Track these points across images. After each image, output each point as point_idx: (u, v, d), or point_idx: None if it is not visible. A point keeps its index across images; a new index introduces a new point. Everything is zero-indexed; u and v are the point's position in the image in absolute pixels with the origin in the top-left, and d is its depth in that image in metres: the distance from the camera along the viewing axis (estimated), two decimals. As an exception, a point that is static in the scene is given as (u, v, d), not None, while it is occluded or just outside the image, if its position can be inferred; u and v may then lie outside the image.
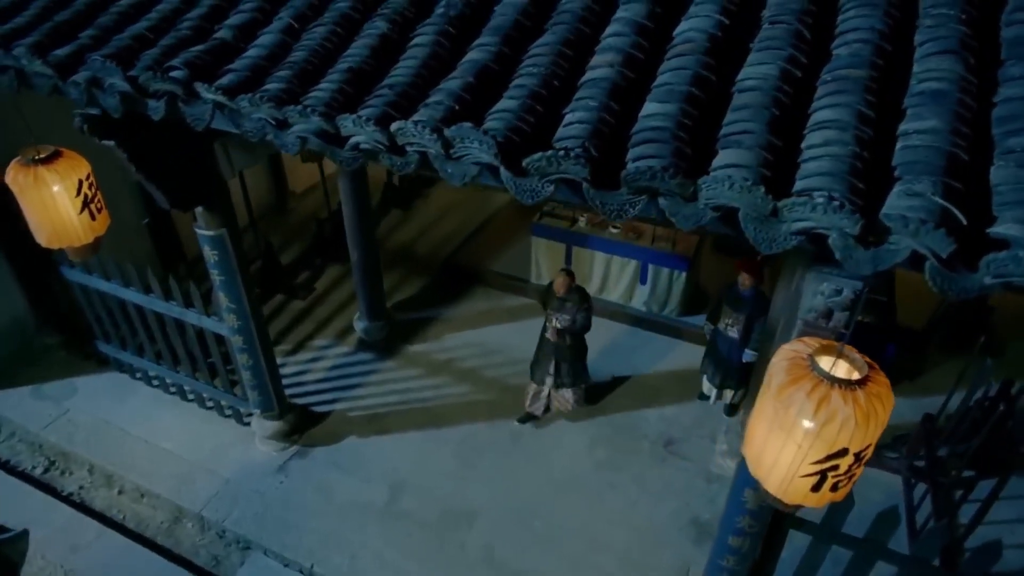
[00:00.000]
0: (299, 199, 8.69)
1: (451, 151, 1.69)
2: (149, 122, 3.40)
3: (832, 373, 1.85)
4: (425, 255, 7.64)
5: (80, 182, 3.21)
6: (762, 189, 1.40)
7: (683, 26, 1.82)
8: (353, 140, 1.81)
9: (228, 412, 5.50)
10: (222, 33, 2.19)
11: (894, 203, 1.35)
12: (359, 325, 6.27)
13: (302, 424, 5.41)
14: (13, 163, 3.13)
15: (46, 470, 5.33)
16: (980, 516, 4.39)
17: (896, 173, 1.41)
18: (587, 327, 5.02)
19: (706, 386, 5.64)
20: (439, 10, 2.06)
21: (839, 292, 2.04)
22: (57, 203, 3.16)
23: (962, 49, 1.58)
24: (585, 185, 1.58)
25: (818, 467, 1.91)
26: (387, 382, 5.96)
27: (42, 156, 3.11)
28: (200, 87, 1.97)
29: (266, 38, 2.13)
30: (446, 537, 4.63)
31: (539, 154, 1.57)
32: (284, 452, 5.24)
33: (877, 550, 3.33)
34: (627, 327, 6.59)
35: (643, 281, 6.39)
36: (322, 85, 1.91)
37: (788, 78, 1.64)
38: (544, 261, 6.75)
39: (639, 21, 1.83)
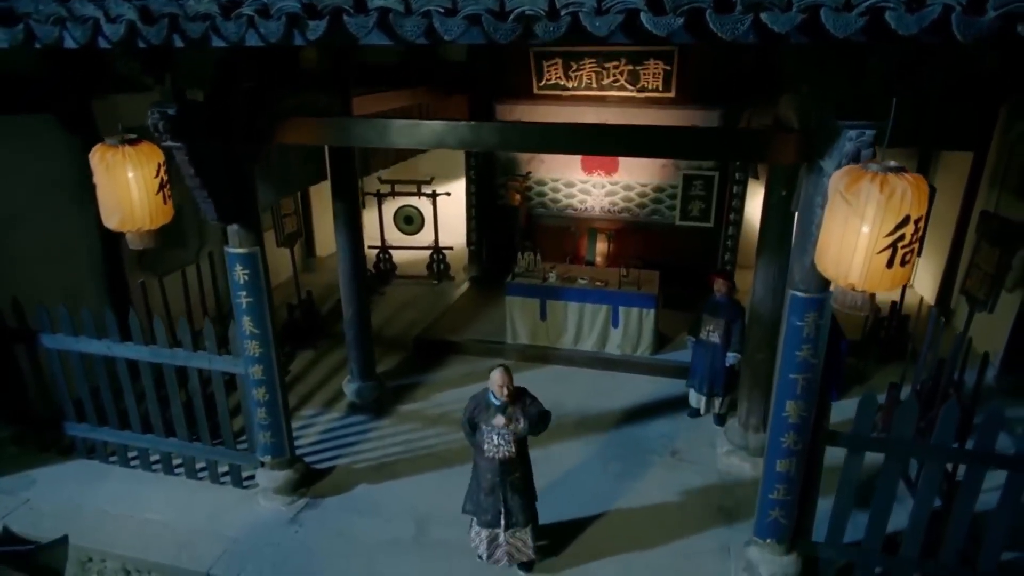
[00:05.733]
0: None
1: (602, 4, 2.28)
2: (214, 131, 3.76)
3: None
4: (395, 336, 7.78)
5: (159, 165, 3.44)
6: (842, -20, 2.10)
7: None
8: (517, 12, 2.35)
9: (224, 478, 5.13)
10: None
11: (921, -18, 2.09)
12: (350, 388, 6.21)
13: (308, 478, 5.14)
14: (98, 146, 3.34)
15: (-1, 571, 4.60)
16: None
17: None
18: (546, 419, 4.04)
19: (694, 399, 6.05)
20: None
21: (863, 133, 2.74)
22: (137, 183, 3.34)
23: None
24: (709, 11, 2.20)
25: (890, 239, 2.44)
26: (387, 436, 5.85)
27: (128, 139, 3.35)
28: (383, -10, 2.45)
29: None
30: (486, 555, 4.46)
31: (678, -13, 2.20)
32: (292, 506, 4.91)
33: (907, 446, 3.75)
34: (604, 372, 6.98)
35: (615, 324, 6.94)
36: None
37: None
38: (519, 319, 7.16)
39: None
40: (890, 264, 2.49)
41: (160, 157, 3.45)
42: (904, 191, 2.39)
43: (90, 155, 3.30)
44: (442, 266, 9.53)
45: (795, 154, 3.33)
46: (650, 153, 5.39)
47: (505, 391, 3.88)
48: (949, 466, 4.59)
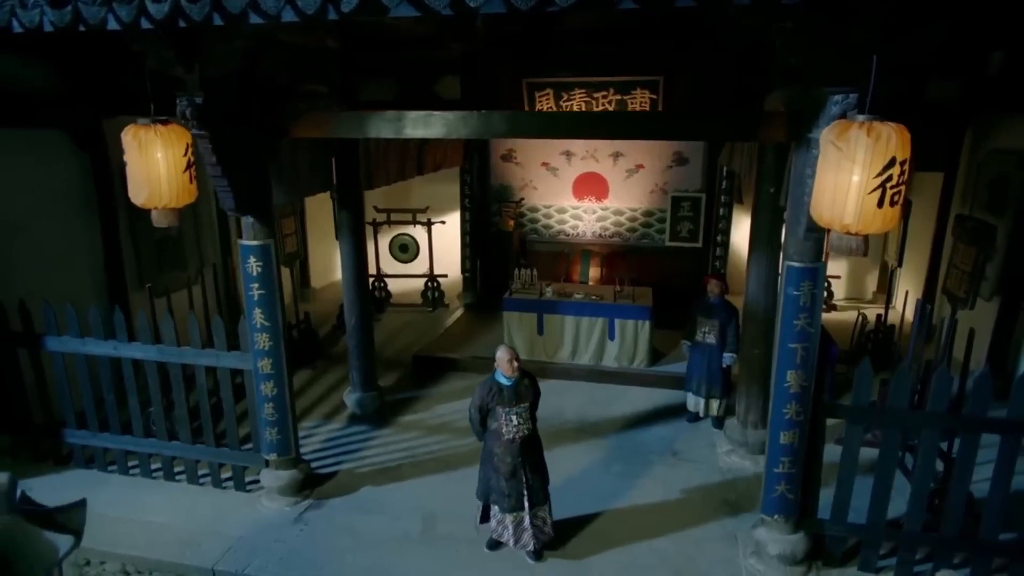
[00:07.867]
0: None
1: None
2: (236, 120, 3.96)
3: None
4: (393, 357, 7.83)
5: (187, 146, 3.61)
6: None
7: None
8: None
9: (227, 483, 5.08)
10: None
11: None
12: (351, 398, 6.22)
13: (312, 479, 5.11)
14: (130, 126, 3.51)
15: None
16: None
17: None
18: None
19: (691, 402, 6.14)
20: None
21: (847, 97, 3.01)
22: (166, 161, 3.50)
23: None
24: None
25: (879, 179, 2.66)
26: (389, 444, 5.85)
27: (159, 120, 3.54)
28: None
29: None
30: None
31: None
32: (297, 506, 4.86)
33: (903, 415, 3.89)
34: (601, 384, 7.06)
35: (611, 337, 7.07)
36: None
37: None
38: (517, 333, 7.27)
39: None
40: (880, 204, 2.70)
41: (188, 138, 3.63)
42: (889, 135, 2.64)
43: (123, 134, 3.47)
44: (437, 294, 9.67)
45: (785, 132, 3.60)
46: (650, 135, 5.50)
47: (515, 364, 4.00)
48: (944, 447, 4.71)
